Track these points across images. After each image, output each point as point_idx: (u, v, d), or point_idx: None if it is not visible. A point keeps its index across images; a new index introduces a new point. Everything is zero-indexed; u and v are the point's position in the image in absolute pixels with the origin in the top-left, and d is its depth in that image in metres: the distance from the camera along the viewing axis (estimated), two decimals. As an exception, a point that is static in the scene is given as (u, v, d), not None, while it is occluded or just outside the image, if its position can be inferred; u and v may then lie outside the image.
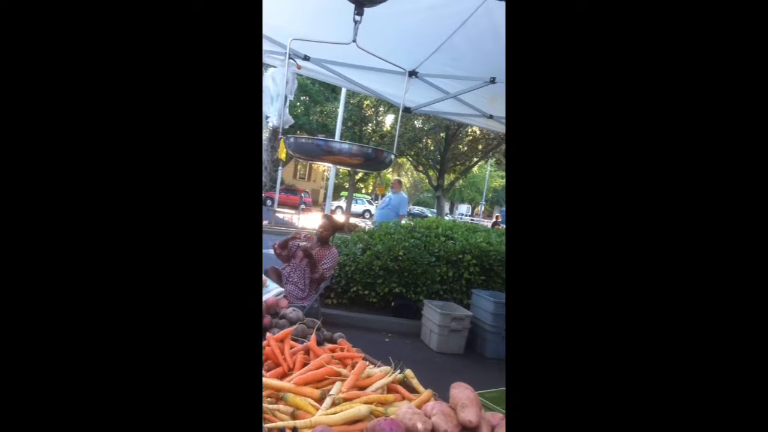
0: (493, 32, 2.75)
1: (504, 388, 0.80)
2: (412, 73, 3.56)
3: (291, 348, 1.73)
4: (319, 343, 1.84)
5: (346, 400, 1.39)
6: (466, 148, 18.44)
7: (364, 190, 29.50)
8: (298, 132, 15.02)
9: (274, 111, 3.22)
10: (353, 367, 1.61)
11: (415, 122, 16.31)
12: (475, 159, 19.32)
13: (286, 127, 3.26)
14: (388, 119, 17.64)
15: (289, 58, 3.06)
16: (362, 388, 1.51)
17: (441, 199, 18.69)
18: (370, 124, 17.89)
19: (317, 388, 1.48)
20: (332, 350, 1.76)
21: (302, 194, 23.50)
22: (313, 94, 17.23)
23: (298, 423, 1.25)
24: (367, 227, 6.54)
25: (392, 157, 2.32)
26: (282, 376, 1.58)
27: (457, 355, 4.26)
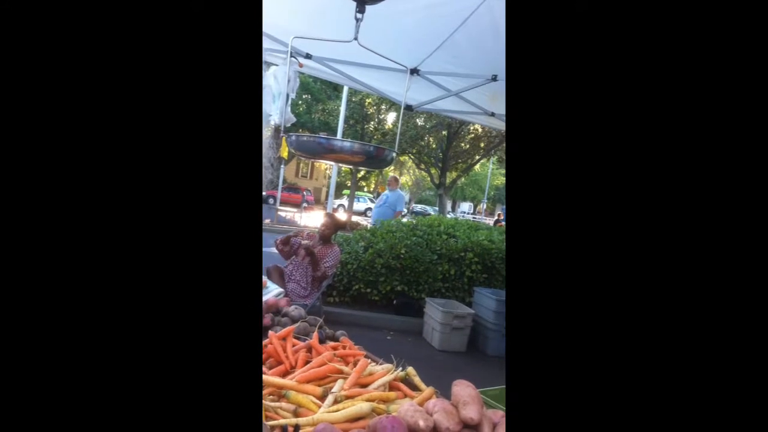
0: (494, 30, 2.74)
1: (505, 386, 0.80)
2: (414, 71, 3.56)
3: (293, 346, 1.74)
4: (321, 341, 1.85)
5: (348, 397, 1.40)
6: (467, 146, 18.41)
7: (366, 189, 29.49)
8: (300, 130, 15.02)
9: (276, 109, 3.22)
10: (355, 364, 1.62)
11: (417, 120, 16.30)
12: (477, 157, 19.29)
13: (288, 125, 3.26)
14: (390, 117, 17.63)
15: (291, 56, 3.06)
16: (364, 386, 1.51)
17: (443, 197, 18.67)
18: (372, 122, 17.87)
19: (319, 385, 1.48)
20: (334, 348, 1.77)
21: (304, 192, 23.50)
22: (315, 93, 17.22)
23: (301, 420, 1.26)
24: (369, 225, 6.54)
25: (394, 155, 2.32)
26: (284, 374, 1.58)
27: (459, 352, 4.26)
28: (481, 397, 1.30)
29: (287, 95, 3.13)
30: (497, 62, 3.18)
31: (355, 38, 2.11)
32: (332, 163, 3.09)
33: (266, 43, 3.35)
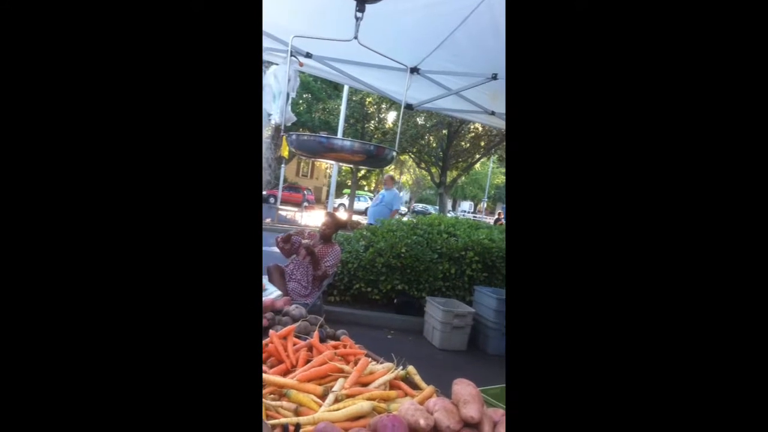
0: (494, 28, 2.74)
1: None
2: (414, 70, 3.56)
3: (294, 345, 1.74)
4: (322, 340, 1.85)
5: (348, 396, 1.40)
6: (468, 145, 18.40)
7: (366, 188, 29.49)
8: (301, 129, 15.01)
9: (276, 108, 3.22)
10: (356, 363, 1.62)
11: (417, 119, 16.29)
12: (478, 156, 19.28)
13: (289, 124, 3.26)
14: (390, 116, 17.62)
15: (291, 55, 3.06)
16: (365, 385, 1.51)
17: (443, 196, 18.67)
18: (373, 122, 17.86)
19: (320, 384, 1.48)
20: (335, 347, 1.77)
21: (305, 192, 23.50)
22: (316, 92, 17.21)
23: (301, 419, 1.26)
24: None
25: (394, 153, 2.32)
26: (285, 373, 1.58)
27: (460, 351, 4.27)
28: (481, 396, 1.30)
29: (287, 94, 3.13)
30: (497, 61, 3.17)
31: (355, 37, 2.11)
32: (333, 162, 3.09)
33: (266, 43, 3.34)
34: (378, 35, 2.55)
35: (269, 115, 3.32)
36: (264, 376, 1.46)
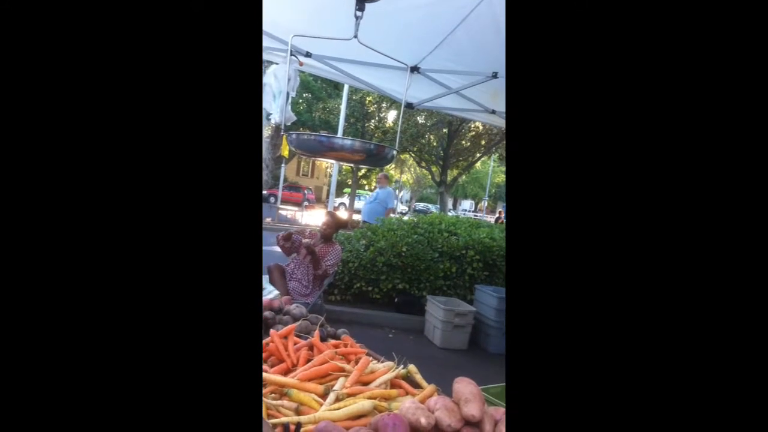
0: (494, 27, 2.74)
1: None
2: (414, 69, 3.55)
3: (295, 344, 1.74)
4: (323, 339, 1.85)
5: (349, 395, 1.40)
6: (468, 144, 18.41)
7: (367, 187, 29.48)
8: (301, 129, 15.02)
9: (276, 108, 3.22)
10: (357, 362, 1.62)
11: (418, 118, 16.29)
12: (478, 154, 19.29)
13: (289, 124, 3.26)
14: (391, 115, 17.61)
15: (291, 54, 3.06)
16: (366, 384, 1.51)
17: (444, 195, 18.68)
18: (373, 121, 17.86)
19: (321, 383, 1.48)
20: (336, 346, 1.77)
21: (305, 191, 23.51)
22: (316, 91, 17.20)
23: (302, 418, 1.26)
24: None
25: (394, 152, 2.32)
26: (286, 372, 1.59)
27: (461, 350, 4.27)
28: (482, 395, 1.30)
29: (287, 94, 3.13)
30: (498, 59, 3.17)
31: (355, 36, 2.11)
32: (333, 161, 3.09)
33: (266, 42, 3.34)
34: (378, 34, 2.55)
35: (269, 114, 3.32)
36: (265, 375, 1.46)
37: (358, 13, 2.02)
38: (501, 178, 32.43)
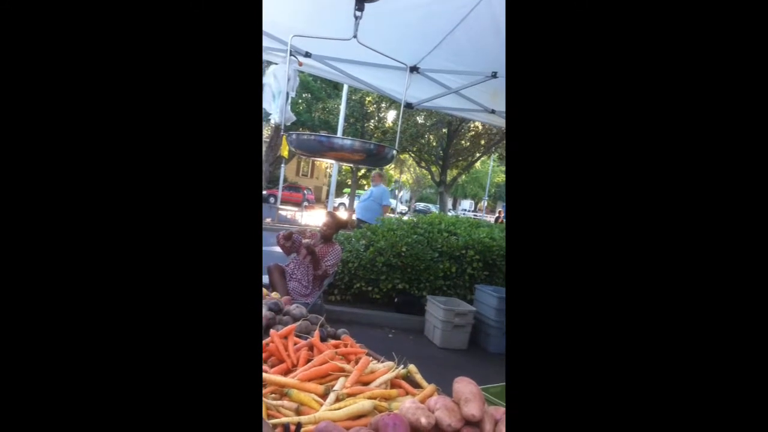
0: (494, 27, 2.74)
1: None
2: (414, 69, 3.55)
3: (295, 344, 1.74)
4: (323, 340, 1.85)
5: (349, 395, 1.40)
6: (468, 144, 18.41)
7: (366, 187, 29.50)
8: (300, 129, 15.00)
9: (276, 108, 3.22)
10: (357, 362, 1.62)
11: (417, 118, 16.29)
12: (478, 154, 19.29)
13: (288, 124, 3.26)
14: (390, 115, 17.62)
15: (291, 54, 3.06)
16: (366, 384, 1.51)
17: (444, 194, 18.68)
18: (372, 121, 17.86)
19: (321, 383, 1.48)
20: (336, 346, 1.77)
21: (305, 191, 23.51)
22: (315, 91, 17.20)
23: (303, 419, 1.26)
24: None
25: (394, 152, 2.32)
26: (286, 372, 1.59)
27: (461, 350, 4.27)
28: (482, 395, 1.30)
29: (287, 94, 3.13)
30: (497, 59, 3.17)
31: (355, 36, 2.11)
32: (333, 161, 3.09)
33: (266, 42, 3.34)
34: (377, 34, 2.55)
35: (268, 114, 3.32)
36: (265, 375, 1.46)
37: (358, 13, 2.02)
38: (501, 177, 32.43)
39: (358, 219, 6.82)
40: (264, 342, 1.72)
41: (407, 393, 1.53)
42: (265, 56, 3.62)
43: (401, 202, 31.38)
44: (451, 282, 5.07)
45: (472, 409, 1.23)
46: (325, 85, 16.81)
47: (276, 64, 3.48)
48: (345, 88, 9.53)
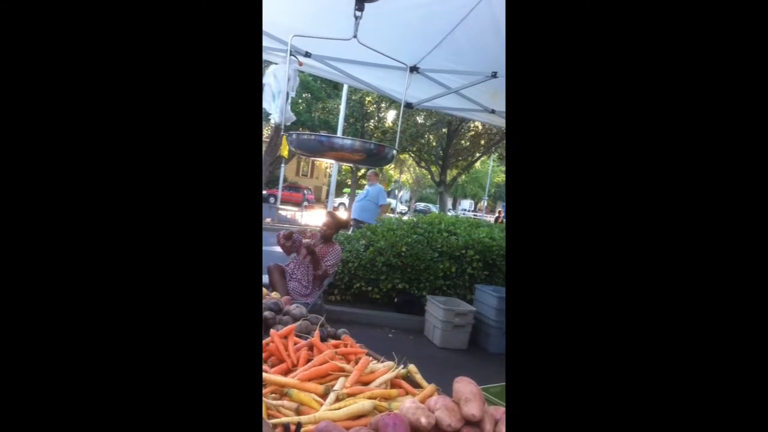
0: (494, 27, 2.74)
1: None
2: (414, 69, 3.55)
3: (295, 344, 1.74)
4: (323, 339, 1.85)
5: (349, 395, 1.40)
6: (468, 144, 18.42)
7: (366, 187, 29.45)
8: (300, 129, 15.00)
9: (275, 108, 3.22)
10: (357, 362, 1.62)
11: (417, 118, 16.30)
12: (478, 154, 19.30)
13: (288, 123, 3.26)
14: (390, 115, 17.62)
15: (291, 54, 3.06)
16: (366, 384, 1.51)
17: (444, 194, 18.69)
18: (372, 121, 17.86)
19: (321, 383, 1.48)
20: (336, 346, 1.77)
21: (305, 191, 23.52)
22: (315, 91, 17.20)
23: (303, 418, 1.26)
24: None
25: (394, 152, 2.32)
26: (286, 372, 1.59)
27: (461, 350, 4.27)
28: (482, 394, 1.30)
29: (287, 94, 3.13)
30: (497, 59, 3.17)
31: (355, 36, 2.11)
32: (333, 161, 3.09)
33: (266, 42, 3.34)
34: (377, 34, 2.55)
35: (268, 114, 3.32)
36: (265, 375, 1.46)
37: (358, 13, 2.02)
38: (500, 177, 32.44)
39: (354, 219, 6.77)
40: (264, 342, 1.72)
41: (407, 393, 1.53)
42: (266, 56, 3.62)
43: (401, 202, 31.37)
44: (451, 282, 5.07)
45: (472, 409, 1.23)
46: (325, 85, 16.82)
47: (276, 64, 3.48)
48: (345, 88, 9.53)
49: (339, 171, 14.26)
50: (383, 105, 16.90)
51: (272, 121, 3.35)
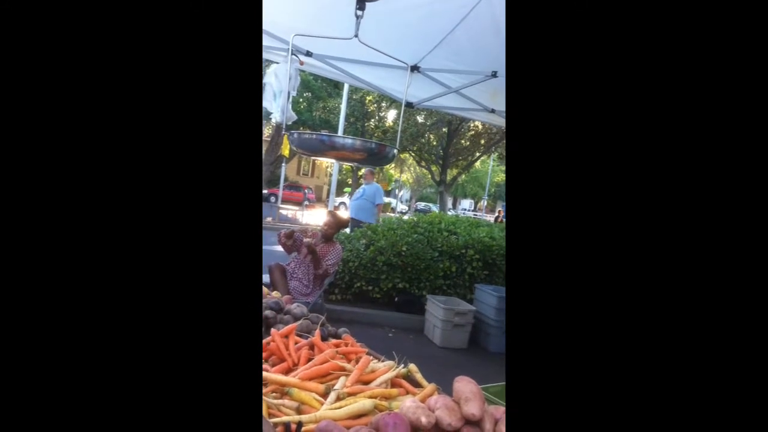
0: (494, 26, 2.74)
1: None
2: (414, 68, 3.55)
3: (295, 343, 1.74)
4: (324, 339, 1.85)
5: (350, 394, 1.40)
6: (468, 143, 18.41)
7: (368, 186, 29.38)
8: (301, 128, 15.00)
9: (276, 107, 3.22)
10: (357, 362, 1.62)
11: (418, 117, 16.30)
12: (478, 154, 19.29)
13: (289, 123, 3.26)
14: (391, 115, 17.62)
15: (292, 54, 3.06)
16: (366, 383, 1.52)
17: (444, 194, 18.68)
18: (373, 120, 17.86)
19: (322, 382, 1.48)
20: (336, 345, 1.77)
21: (305, 190, 23.51)
22: (316, 90, 17.18)
23: (303, 418, 1.26)
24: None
25: (395, 151, 2.32)
26: (287, 372, 1.59)
27: (461, 349, 4.27)
28: (482, 394, 1.31)
29: (288, 93, 3.13)
30: (497, 58, 3.17)
31: (356, 35, 2.11)
32: (334, 160, 3.09)
33: (267, 41, 3.34)
34: (378, 33, 2.55)
35: (269, 114, 3.32)
36: (266, 374, 1.46)
37: (359, 13, 2.02)
38: (500, 177, 32.42)
39: (351, 218, 6.64)
40: (265, 341, 1.72)
41: (408, 392, 1.54)
42: (267, 55, 3.62)
43: (402, 202, 31.36)
44: (451, 281, 5.07)
45: (473, 409, 1.23)
46: (325, 84, 16.81)
47: (277, 63, 3.48)
48: (346, 87, 9.52)
49: (340, 170, 14.26)
50: (384, 104, 16.89)
51: (273, 121, 3.36)
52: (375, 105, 17.18)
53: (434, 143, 18.05)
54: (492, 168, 30.52)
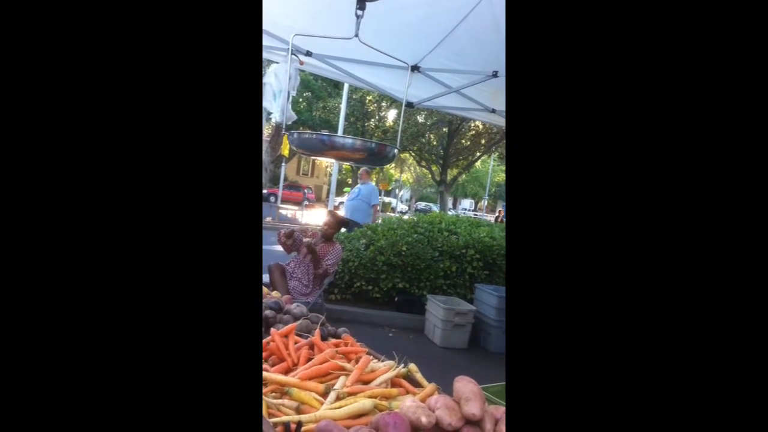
0: (494, 26, 2.74)
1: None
2: (415, 68, 3.55)
3: (295, 343, 1.74)
4: (324, 339, 1.85)
5: (350, 394, 1.40)
6: (468, 143, 18.42)
7: (368, 186, 29.39)
8: (301, 128, 15.01)
9: (276, 107, 3.22)
10: (357, 361, 1.62)
11: (418, 117, 16.30)
12: (478, 153, 19.30)
13: (289, 123, 3.26)
14: (391, 114, 17.62)
15: (292, 53, 3.06)
16: (366, 383, 1.52)
17: (444, 194, 18.69)
18: (373, 120, 17.86)
19: (322, 382, 1.48)
20: (336, 345, 1.77)
21: (305, 190, 23.52)
22: (316, 90, 17.19)
23: (303, 417, 1.26)
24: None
25: (395, 151, 2.31)
26: (286, 371, 1.59)
27: (461, 349, 4.27)
28: (482, 394, 1.31)
29: (288, 93, 3.13)
30: (498, 58, 3.17)
31: (356, 35, 2.11)
32: (334, 160, 3.09)
33: (267, 41, 3.34)
34: (378, 33, 2.55)
35: (269, 114, 3.32)
36: (265, 374, 1.46)
37: (359, 12, 2.02)
38: (501, 177, 32.41)
39: (348, 219, 6.56)
40: (265, 341, 1.72)
41: (408, 392, 1.54)
42: (267, 55, 3.62)
43: (402, 202, 31.36)
44: (452, 281, 5.07)
45: (473, 408, 1.23)
46: (325, 84, 16.82)
47: (277, 63, 3.48)
48: (346, 87, 9.52)
49: (339, 170, 14.26)
50: (384, 104, 16.90)
51: (273, 120, 3.36)
52: (375, 105, 17.19)
53: (434, 143, 18.05)
54: (492, 168, 30.52)
